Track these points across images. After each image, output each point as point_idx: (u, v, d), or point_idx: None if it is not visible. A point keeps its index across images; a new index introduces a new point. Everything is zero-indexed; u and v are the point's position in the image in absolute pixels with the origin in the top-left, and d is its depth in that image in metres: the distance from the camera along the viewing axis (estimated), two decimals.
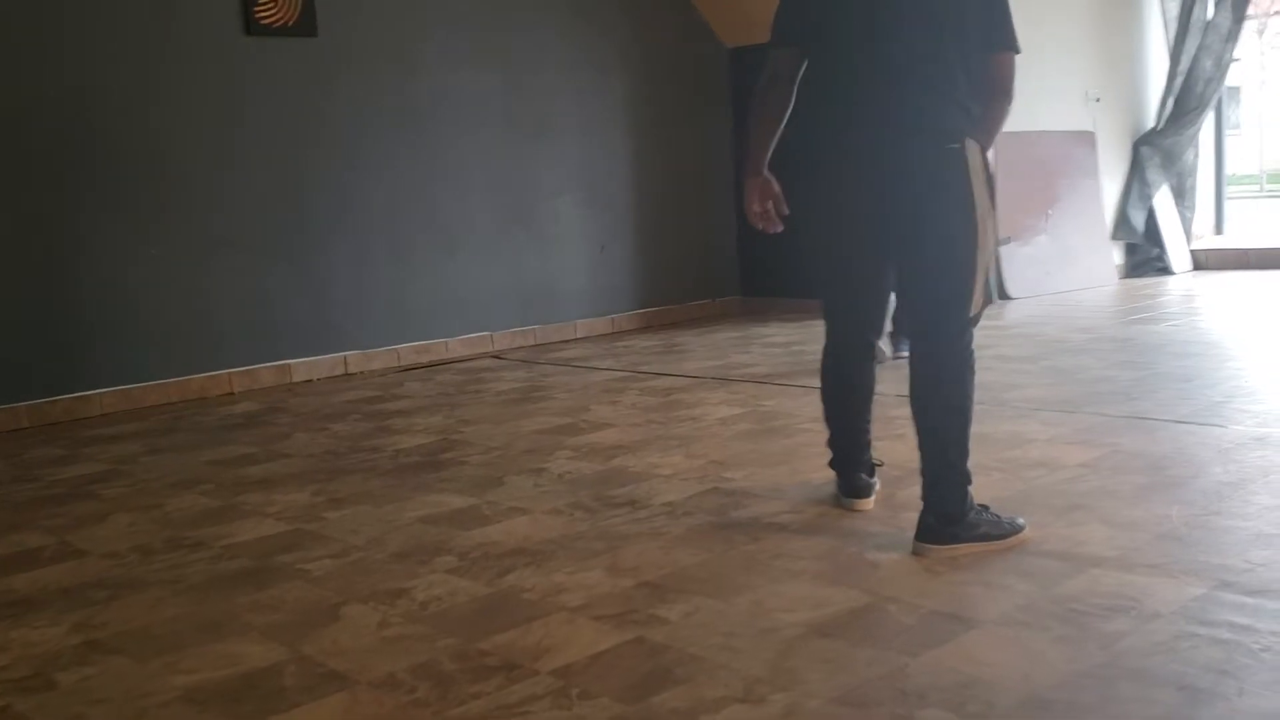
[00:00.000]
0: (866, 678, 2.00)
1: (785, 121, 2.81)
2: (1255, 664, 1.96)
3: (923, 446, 2.69)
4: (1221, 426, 3.65)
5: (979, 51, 2.64)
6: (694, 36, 7.32)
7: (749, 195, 2.81)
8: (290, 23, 5.55)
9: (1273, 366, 4.70)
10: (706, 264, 7.52)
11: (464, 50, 6.23)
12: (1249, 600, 2.23)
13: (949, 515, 2.63)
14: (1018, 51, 2.68)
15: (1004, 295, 7.47)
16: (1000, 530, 2.65)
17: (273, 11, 5.49)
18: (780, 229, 2.83)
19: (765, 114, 2.80)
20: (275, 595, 2.63)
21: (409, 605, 2.50)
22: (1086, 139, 8.09)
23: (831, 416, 3.04)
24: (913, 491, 3.03)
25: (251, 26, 5.44)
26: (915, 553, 2.64)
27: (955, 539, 2.62)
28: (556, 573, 2.63)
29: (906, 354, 2.81)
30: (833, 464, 3.08)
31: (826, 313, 2.94)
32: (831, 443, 3.07)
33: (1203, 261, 8.64)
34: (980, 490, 2.80)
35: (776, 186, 2.81)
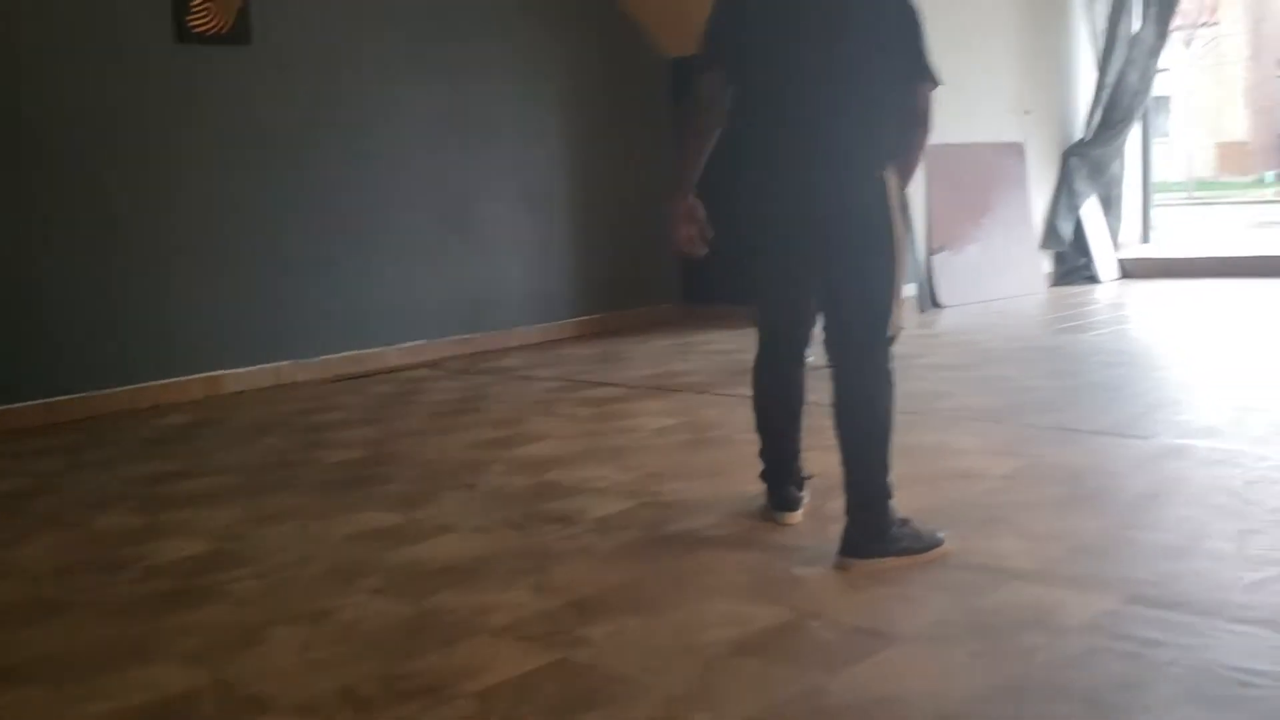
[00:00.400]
0: (785, 697, 2.03)
1: (713, 143, 2.84)
2: (1160, 678, 2.02)
3: (845, 462, 2.74)
4: (1141, 438, 3.75)
5: (901, 84, 2.73)
6: (634, 46, 7.35)
7: (675, 219, 2.85)
8: (224, 30, 5.47)
9: (1193, 377, 4.83)
10: (647, 270, 7.54)
11: (401, 57, 6.20)
12: (1158, 614, 2.30)
13: (871, 530, 2.68)
14: (938, 84, 2.76)
15: (936, 303, 7.59)
16: (921, 544, 2.71)
17: (206, 19, 5.42)
18: (705, 253, 2.87)
19: (694, 136, 2.84)
20: (199, 617, 2.60)
21: (333, 627, 2.49)
22: (1016, 150, 8.25)
23: (762, 427, 3.09)
24: (841, 504, 3.07)
25: (184, 34, 5.36)
26: (838, 567, 2.68)
27: (877, 553, 2.66)
28: (483, 592, 2.63)
29: None
30: (764, 476, 3.13)
31: (757, 324, 3.01)
32: (763, 454, 3.11)
33: (1129, 270, 8.85)
34: (905, 502, 2.85)
35: (701, 211, 2.85)
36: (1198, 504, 3.01)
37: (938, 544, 2.72)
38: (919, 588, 2.54)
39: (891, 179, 2.69)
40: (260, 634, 2.47)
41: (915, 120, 2.76)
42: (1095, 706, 1.94)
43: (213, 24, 5.45)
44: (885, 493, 2.71)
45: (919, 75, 2.74)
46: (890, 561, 2.66)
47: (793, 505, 3.08)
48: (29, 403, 5.02)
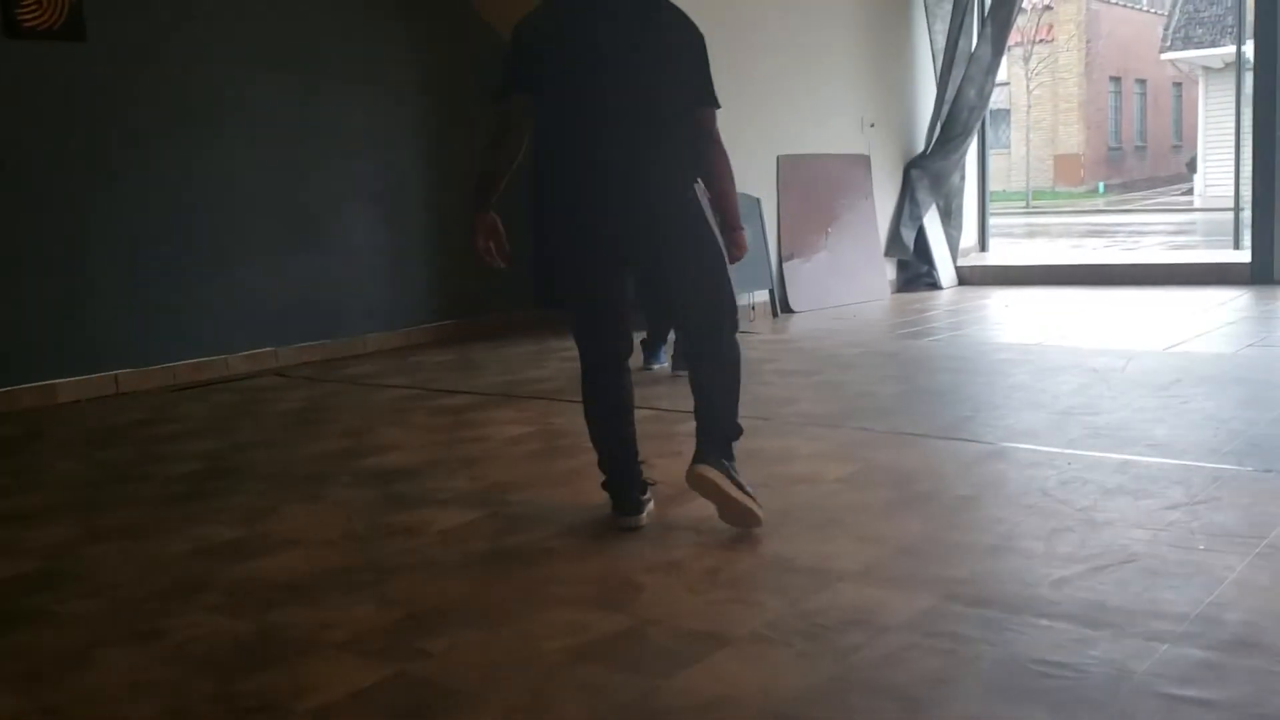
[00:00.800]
0: (620, 702, 2.09)
1: (516, 163, 3.06)
2: (969, 673, 2.16)
3: (702, 409, 3.00)
4: (967, 441, 3.95)
5: (691, 107, 2.99)
6: (487, 47, 7.33)
7: (476, 232, 3.04)
8: (55, 26, 5.26)
9: (1020, 382, 5.10)
10: (502, 275, 7.44)
11: (250, 57, 6.06)
12: (970, 611, 2.45)
13: (720, 447, 2.95)
14: (719, 106, 3.04)
15: (787, 309, 7.81)
16: (750, 494, 2.97)
17: (36, 14, 5.20)
18: (504, 265, 3.03)
19: (498, 158, 3.04)
20: (21, 641, 2.52)
21: (167, 647, 2.44)
22: (862, 162, 8.56)
23: (597, 437, 3.18)
24: (684, 511, 3.17)
25: (13, 28, 5.14)
26: (688, 476, 2.96)
27: (724, 470, 2.92)
28: (324, 607, 2.62)
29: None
30: (605, 485, 3.20)
31: (579, 336, 3.18)
32: (602, 464, 3.19)
33: (968, 277, 9.28)
34: None
35: (500, 226, 3.03)
36: (1014, 505, 3.21)
37: (758, 510, 2.98)
38: (753, 590, 2.64)
39: (699, 191, 2.98)
40: (88, 656, 2.40)
41: (707, 138, 3.02)
42: (910, 702, 2.06)
43: (44, 19, 5.23)
44: (735, 430, 3.00)
45: (705, 99, 3.01)
46: (731, 486, 2.92)
47: (636, 509, 3.16)
48: None
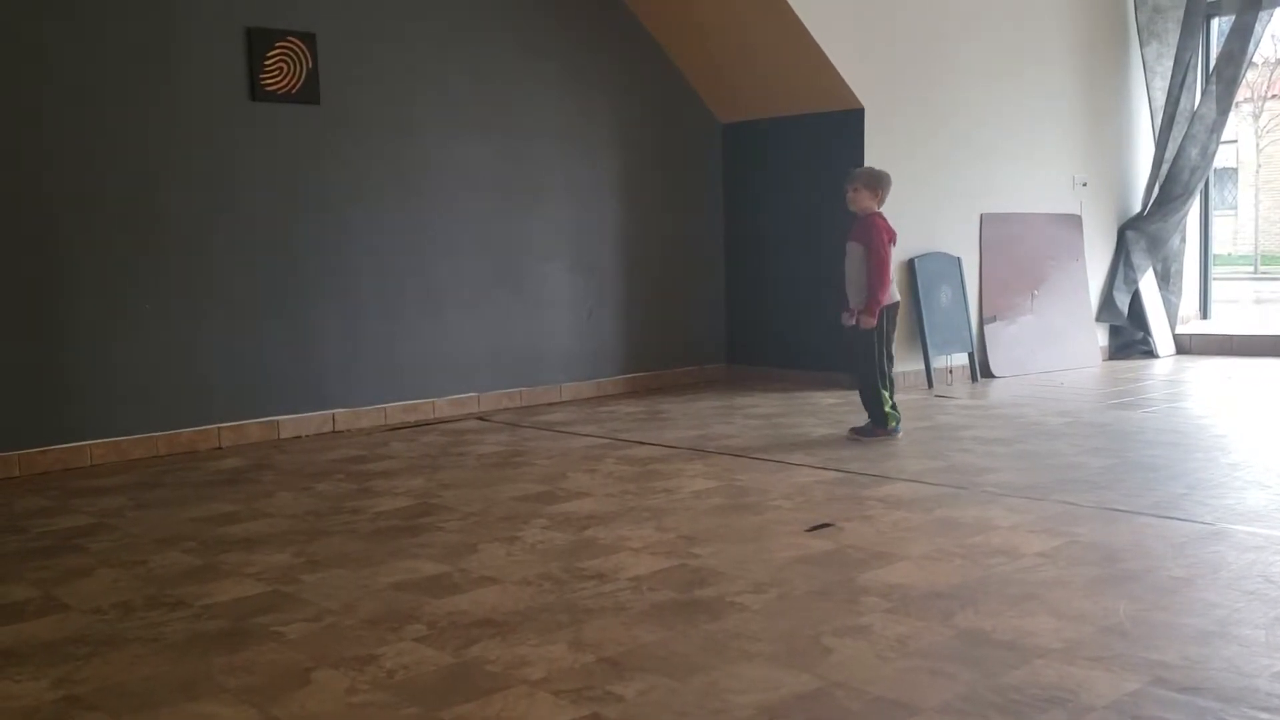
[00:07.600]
0: None
1: None
2: None
3: None
4: (1182, 520, 3.75)
5: None
6: (688, 111, 7.52)
7: None
8: (294, 90, 5.73)
9: (1241, 459, 4.80)
10: (693, 331, 7.65)
11: (460, 118, 6.41)
12: (1179, 697, 2.32)
13: None
14: None
15: (988, 373, 7.60)
16: None
17: (278, 79, 5.68)
18: None
19: None
20: (250, 657, 2.72)
21: (377, 672, 2.59)
22: (1073, 222, 8.27)
23: None
24: (874, 576, 3.14)
25: (257, 92, 5.63)
26: None
27: None
28: (521, 645, 2.72)
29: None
30: None
31: None
32: None
33: (1186, 346, 8.79)
34: (937, 576, 2.91)
35: None
36: (1232, 589, 3.02)
37: None
38: (946, 661, 2.58)
39: None
40: (308, 676, 2.57)
41: None
42: None
43: (284, 84, 5.71)
44: None
45: None
46: None
47: None
48: (96, 441, 5.23)
